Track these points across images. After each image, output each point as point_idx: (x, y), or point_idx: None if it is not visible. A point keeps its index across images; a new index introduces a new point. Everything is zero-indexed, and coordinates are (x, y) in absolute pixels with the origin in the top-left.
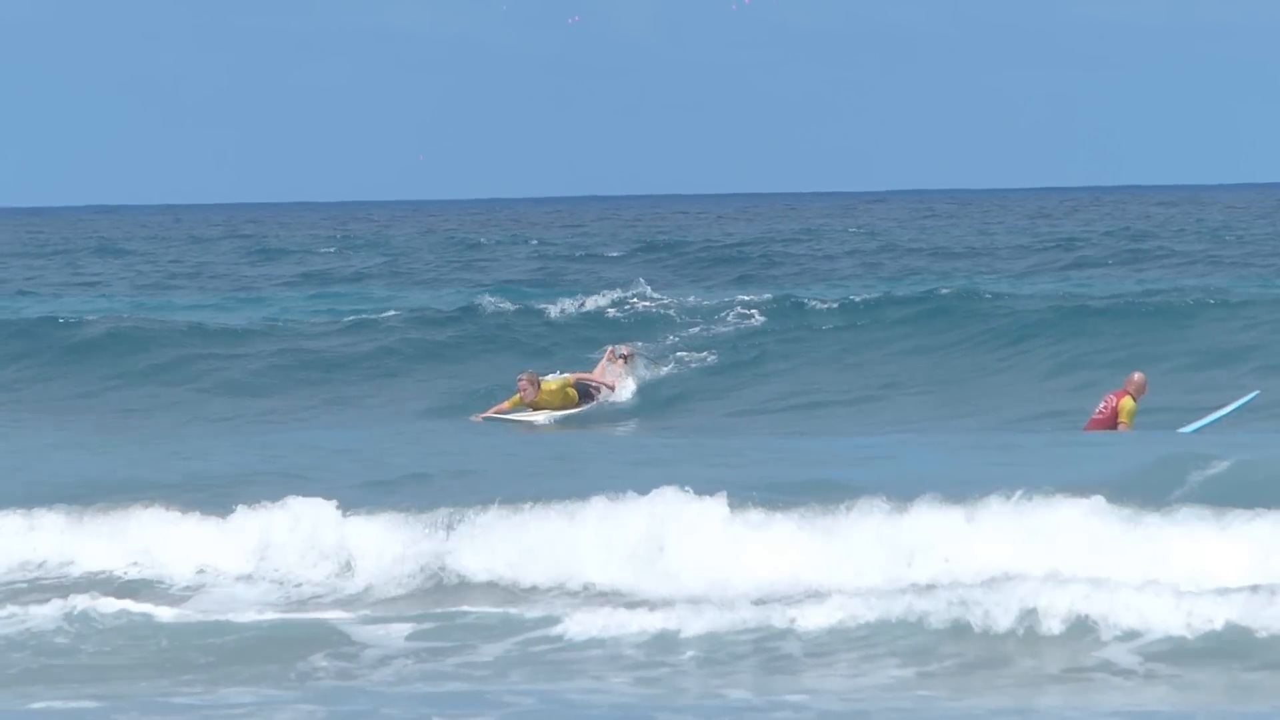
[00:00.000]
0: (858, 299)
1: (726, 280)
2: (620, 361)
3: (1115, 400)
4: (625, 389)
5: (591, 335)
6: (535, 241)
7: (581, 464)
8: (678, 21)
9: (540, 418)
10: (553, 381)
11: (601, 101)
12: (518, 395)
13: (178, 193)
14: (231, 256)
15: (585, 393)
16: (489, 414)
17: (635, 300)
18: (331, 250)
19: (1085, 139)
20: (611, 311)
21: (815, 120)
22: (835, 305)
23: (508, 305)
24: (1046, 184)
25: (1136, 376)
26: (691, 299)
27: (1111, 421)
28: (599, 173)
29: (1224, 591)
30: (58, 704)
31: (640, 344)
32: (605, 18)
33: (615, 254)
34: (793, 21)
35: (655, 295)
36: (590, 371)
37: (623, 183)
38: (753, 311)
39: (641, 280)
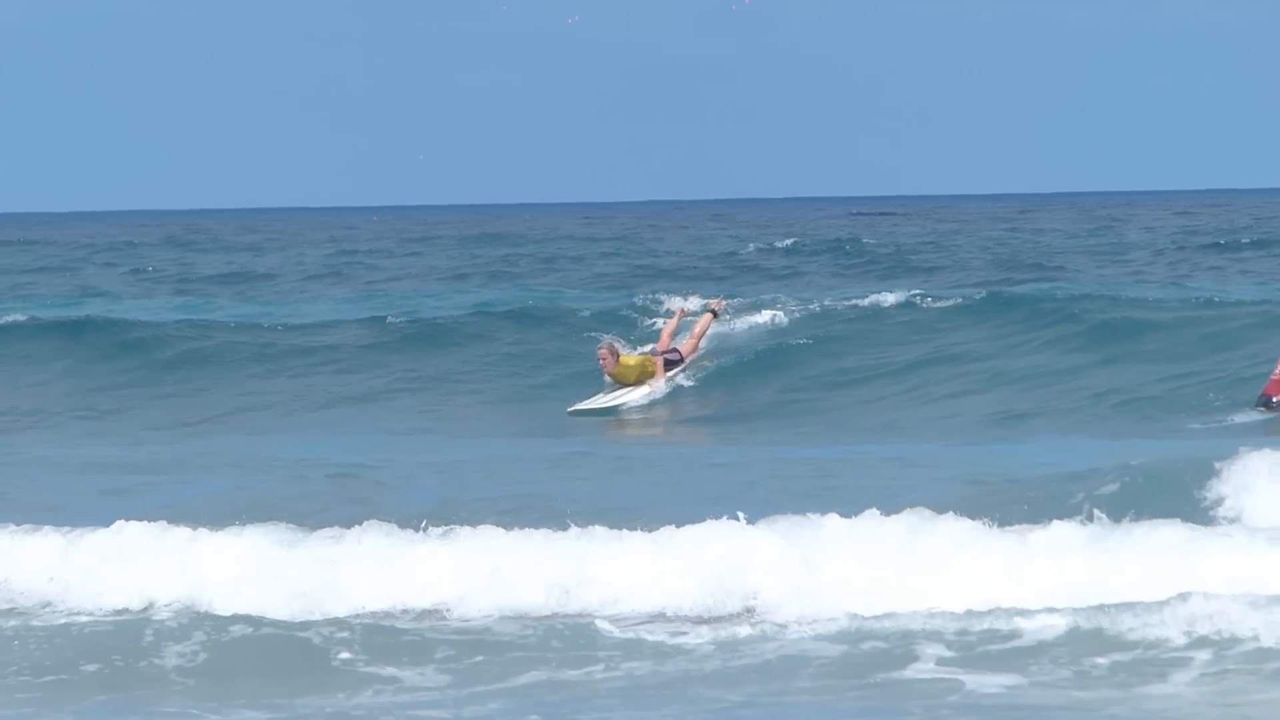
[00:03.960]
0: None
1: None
2: (709, 316)
3: None
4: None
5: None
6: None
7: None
8: (853, 23)
9: (633, 397)
10: (631, 356)
11: (772, 103)
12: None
13: (342, 195)
14: (373, 258)
15: (667, 363)
16: (582, 406)
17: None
18: (481, 251)
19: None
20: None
21: (973, 122)
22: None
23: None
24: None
25: None
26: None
27: None
28: (769, 173)
29: None
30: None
31: (724, 298)
32: (776, 18)
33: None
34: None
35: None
36: (659, 341)
37: (782, 185)
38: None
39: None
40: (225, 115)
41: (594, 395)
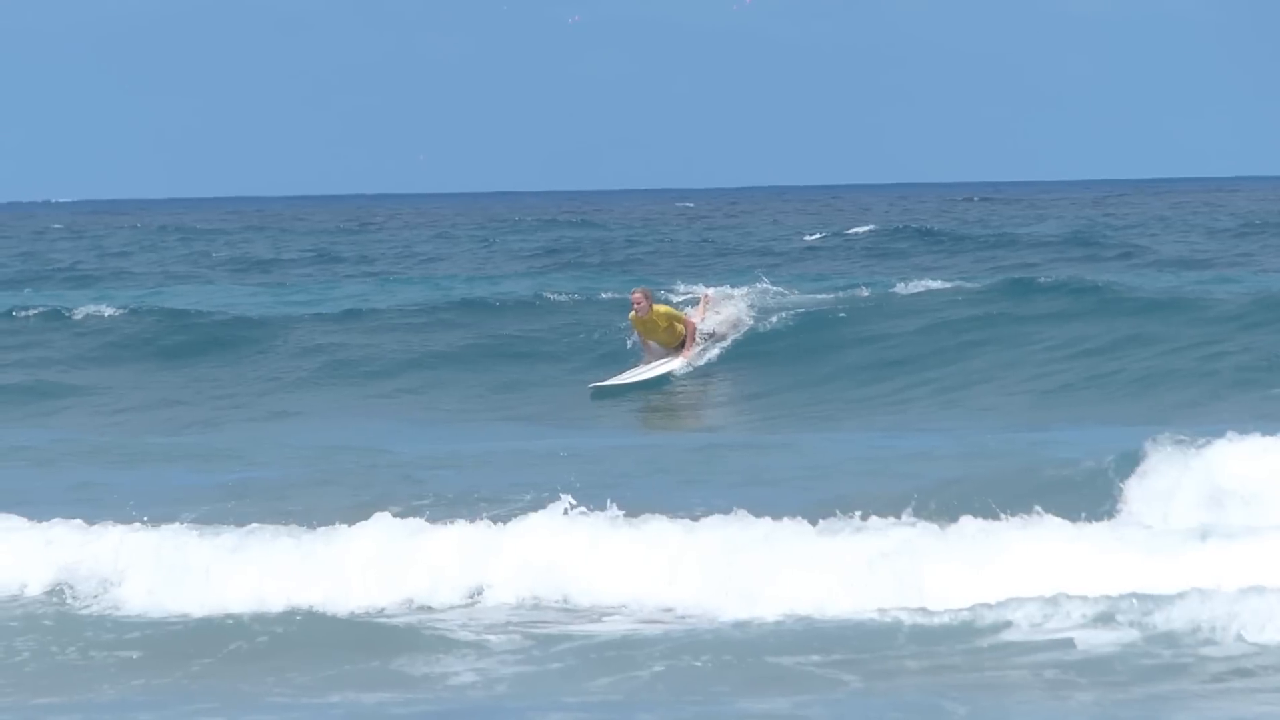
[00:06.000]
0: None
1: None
2: (705, 300)
3: None
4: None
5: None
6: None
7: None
8: (955, 9)
9: (655, 374)
10: (664, 305)
11: (880, 90)
12: (632, 311)
13: (464, 181)
14: (468, 245)
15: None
16: (608, 382)
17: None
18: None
19: None
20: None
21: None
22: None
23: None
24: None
25: None
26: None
27: None
28: (871, 160)
29: None
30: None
31: (713, 289)
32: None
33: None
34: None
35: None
36: (686, 314)
37: (878, 171)
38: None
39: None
40: (300, 106)
41: (618, 374)
